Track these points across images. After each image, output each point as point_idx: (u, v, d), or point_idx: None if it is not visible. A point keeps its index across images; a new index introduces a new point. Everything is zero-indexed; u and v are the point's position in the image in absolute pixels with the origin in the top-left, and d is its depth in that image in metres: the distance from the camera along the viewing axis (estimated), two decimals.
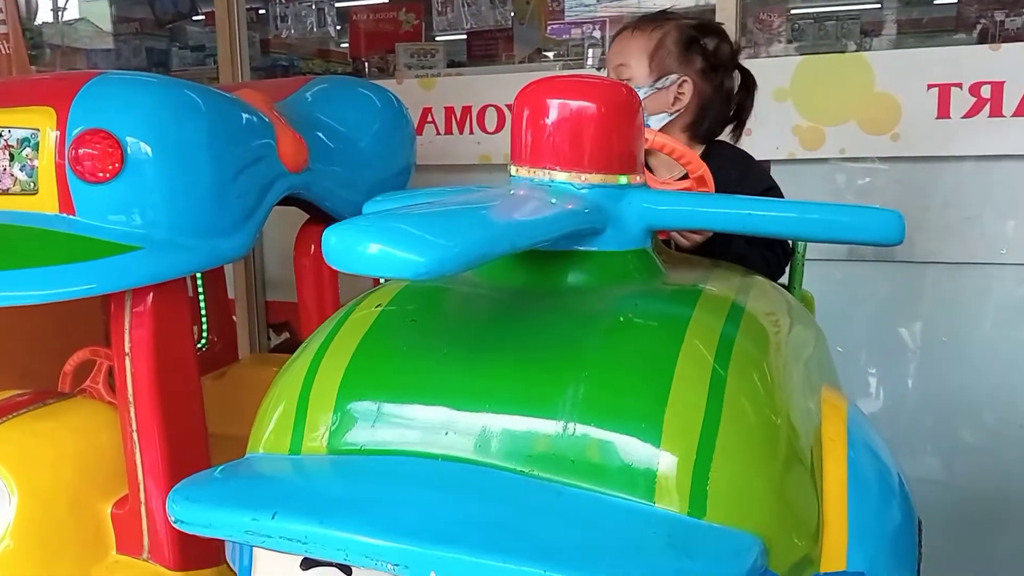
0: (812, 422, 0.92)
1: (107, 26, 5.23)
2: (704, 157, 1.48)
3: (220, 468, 0.87)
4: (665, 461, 0.76)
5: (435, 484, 0.78)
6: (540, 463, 0.78)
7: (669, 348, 0.83)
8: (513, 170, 1.01)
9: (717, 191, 1.43)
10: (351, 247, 0.69)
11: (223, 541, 1.42)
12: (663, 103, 1.48)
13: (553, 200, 0.93)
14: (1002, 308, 2.16)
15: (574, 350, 0.84)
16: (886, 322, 2.26)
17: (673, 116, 1.49)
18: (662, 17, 1.53)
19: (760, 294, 1.09)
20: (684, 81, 1.48)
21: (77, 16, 5.54)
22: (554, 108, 0.97)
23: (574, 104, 0.97)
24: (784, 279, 1.53)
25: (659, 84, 1.48)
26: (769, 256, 1.45)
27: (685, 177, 1.25)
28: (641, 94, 1.44)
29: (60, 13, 5.64)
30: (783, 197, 1.51)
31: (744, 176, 1.46)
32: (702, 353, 0.83)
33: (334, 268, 1.96)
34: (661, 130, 1.46)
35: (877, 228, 0.99)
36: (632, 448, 0.76)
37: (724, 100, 1.53)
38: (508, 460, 0.79)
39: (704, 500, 0.75)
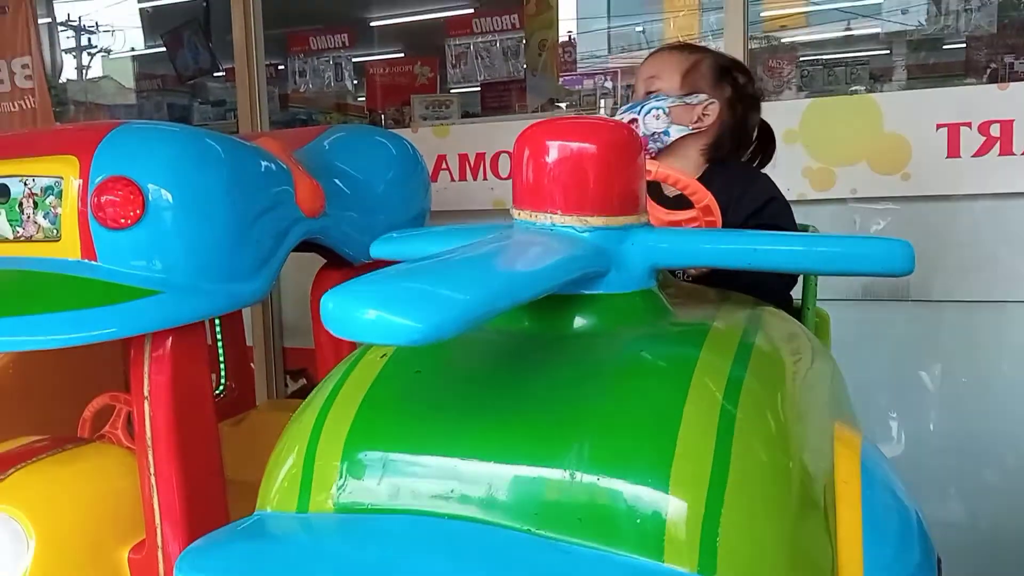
0: (825, 463, 0.90)
1: (129, 83, 5.37)
2: (708, 175, 1.52)
3: (228, 529, 0.86)
4: (673, 517, 0.74)
5: (441, 548, 0.77)
6: (547, 522, 0.77)
7: (675, 395, 0.81)
8: (515, 214, 1.00)
9: (721, 207, 1.44)
10: (349, 313, 0.68)
11: None
12: (687, 117, 1.54)
13: (556, 245, 0.92)
14: (1021, 346, 2.14)
15: (580, 401, 0.83)
16: (904, 363, 2.25)
17: (692, 131, 1.54)
18: (699, 47, 1.63)
19: (770, 329, 1.07)
20: (712, 103, 1.54)
21: (101, 74, 5.69)
22: (554, 150, 0.96)
23: (574, 146, 0.96)
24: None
25: (688, 99, 1.53)
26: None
27: (689, 205, 1.25)
28: (668, 103, 1.52)
29: (84, 71, 5.79)
30: (787, 207, 1.52)
31: (746, 190, 1.49)
32: (709, 398, 0.82)
33: None
34: (676, 142, 1.53)
35: (885, 258, 0.96)
36: (639, 504, 0.75)
37: (743, 134, 1.59)
38: (515, 519, 0.78)
39: (714, 557, 0.73)
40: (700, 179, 1.50)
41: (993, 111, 2.02)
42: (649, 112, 1.52)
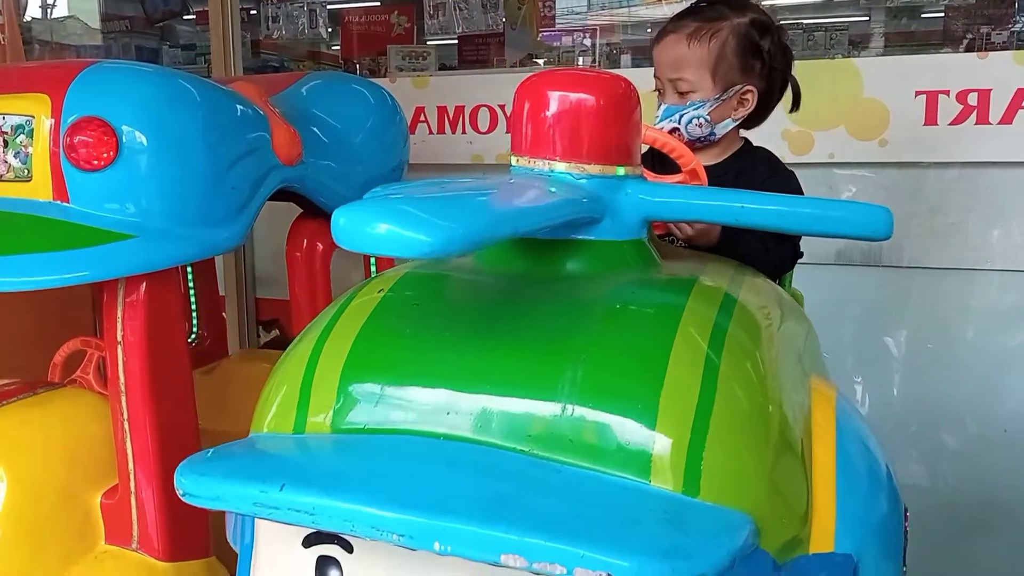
0: (802, 409, 0.94)
1: (96, 23, 5.22)
2: (736, 156, 1.52)
3: (224, 446, 0.87)
4: (660, 441, 0.78)
5: (437, 461, 0.80)
6: (539, 442, 0.80)
7: (664, 334, 0.85)
8: (513, 160, 1.03)
9: (745, 188, 1.45)
10: (360, 227, 0.71)
11: (212, 533, 1.42)
12: (728, 111, 1.48)
13: (552, 189, 0.95)
14: (986, 315, 2.18)
15: (572, 335, 0.86)
16: (872, 327, 2.28)
17: (737, 121, 1.49)
18: (714, 18, 1.46)
19: (752, 287, 1.11)
20: (749, 91, 1.47)
21: (66, 13, 5.52)
22: (554, 100, 0.99)
23: (574, 96, 0.99)
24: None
25: (724, 96, 1.46)
26: (785, 256, 1.45)
27: (677, 170, 1.27)
28: (707, 108, 1.45)
29: (49, 10, 5.61)
30: None
31: (771, 177, 1.47)
32: (696, 340, 0.85)
33: (326, 262, 1.93)
34: (727, 135, 1.50)
35: (866, 222, 1.01)
36: (628, 428, 0.78)
37: (773, 97, 1.53)
38: (508, 439, 0.81)
39: (698, 479, 0.77)
40: (728, 159, 1.52)
41: (972, 80, 2.03)
42: (690, 122, 1.47)
